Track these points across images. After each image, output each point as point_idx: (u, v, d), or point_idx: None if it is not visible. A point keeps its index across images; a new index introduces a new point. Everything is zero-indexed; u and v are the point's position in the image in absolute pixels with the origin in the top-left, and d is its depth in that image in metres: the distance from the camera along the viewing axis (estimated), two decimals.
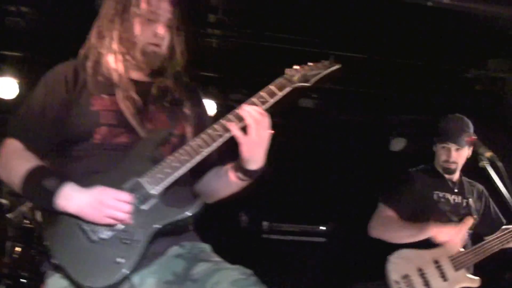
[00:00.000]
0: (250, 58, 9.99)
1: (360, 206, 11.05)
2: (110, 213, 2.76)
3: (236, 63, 9.47)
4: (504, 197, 4.38)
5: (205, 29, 8.13)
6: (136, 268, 2.84)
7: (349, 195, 10.86)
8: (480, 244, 5.04)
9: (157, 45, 3.17)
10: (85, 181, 2.90)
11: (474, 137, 4.63)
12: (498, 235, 5.01)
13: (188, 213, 2.89)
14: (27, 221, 8.02)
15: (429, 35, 7.92)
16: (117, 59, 3.22)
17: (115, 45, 3.22)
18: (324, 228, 9.60)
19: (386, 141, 10.50)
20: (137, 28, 3.17)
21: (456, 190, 5.28)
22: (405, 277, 5.24)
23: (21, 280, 7.86)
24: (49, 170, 3.02)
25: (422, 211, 5.35)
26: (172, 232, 2.97)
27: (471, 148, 5.11)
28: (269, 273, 9.02)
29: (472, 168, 5.07)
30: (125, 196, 2.81)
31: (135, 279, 2.87)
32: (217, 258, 3.04)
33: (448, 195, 5.28)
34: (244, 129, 2.94)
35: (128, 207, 2.79)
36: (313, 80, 3.25)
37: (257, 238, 9.36)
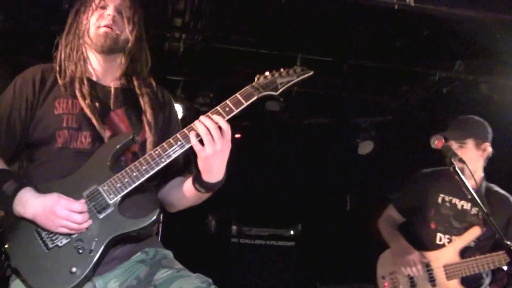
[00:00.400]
0: (217, 62, 9.99)
1: (328, 209, 11.15)
2: (63, 223, 2.75)
3: (203, 67, 9.44)
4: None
5: (172, 33, 8.07)
6: (99, 272, 2.86)
7: (317, 198, 10.90)
8: (476, 257, 4.90)
9: (107, 26, 3.19)
10: (46, 186, 2.89)
11: (442, 140, 4.55)
12: (495, 254, 4.83)
13: (143, 224, 2.88)
14: None
15: (396, 38, 7.96)
16: (78, 59, 3.24)
17: (73, 42, 3.28)
18: (292, 232, 9.60)
19: (354, 144, 10.54)
20: (90, 19, 3.24)
21: (469, 196, 4.81)
22: (392, 273, 5.27)
23: None
24: (10, 174, 3.00)
25: (421, 212, 5.33)
26: (134, 238, 2.97)
27: (479, 149, 5.08)
28: (238, 277, 9.04)
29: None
30: (79, 206, 2.79)
31: (99, 282, 2.89)
32: (179, 266, 3.04)
33: (456, 200, 5.15)
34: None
35: (81, 218, 2.78)
36: (282, 89, 3.21)
37: (226, 243, 9.34)
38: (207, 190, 3.09)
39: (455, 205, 5.15)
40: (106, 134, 3.07)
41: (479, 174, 5.13)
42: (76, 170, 2.96)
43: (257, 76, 3.22)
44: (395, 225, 5.53)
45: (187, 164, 3.33)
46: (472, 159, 4.98)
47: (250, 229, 9.52)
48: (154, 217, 2.90)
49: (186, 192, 3.20)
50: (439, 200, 5.22)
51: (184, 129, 2.96)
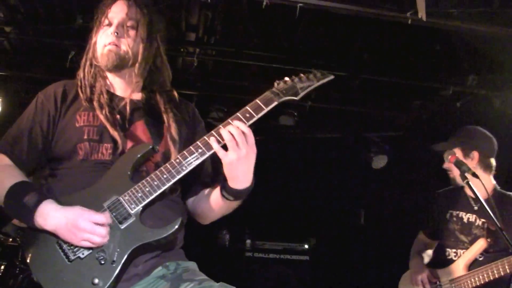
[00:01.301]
0: (230, 76, 10.03)
1: (341, 223, 11.13)
2: (85, 236, 2.74)
3: (216, 81, 9.47)
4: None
5: (185, 47, 8.11)
6: None
7: (331, 212, 10.88)
8: (480, 268, 4.84)
9: (112, 43, 3.19)
10: (67, 199, 2.89)
11: (455, 155, 4.54)
12: (499, 262, 4.74)
13: (165, 234, 2.85)
14: (11, 239, 8.00)
15: (409, 53, 7.97)
16: (97, 74, 3.28)
17: (91, 60, 3.31)
18: (306, 246, 9.58)
19: (367, 158, 10.53)
20: (97, 39, 3.26)
21: (475, 209, 5.09)
22: None
23: None
24: (32, 186, 3.00)
25: (439, 231, 5.38)
26: (156, 248, 2.95)
27: (467, 157, 5.07)
28: None
29: None
30: (102, 218, 2.78)
31: None
32: (201, 276, 3.01)
33: (463, 214, 5.16)
34: (226, 147, 2.88)
35: (104, 231, 2.77)
36: (302, 93, 3.19)
37: (240, 257, 9.33)
38: (235, 198, 3.05)
39: (461, 218, 5.16)
40: (127, 145, 3.08)
41: (490, 183, 5.10)
42: (96, 181, 2.96)
43: (277, 81, 3.19)
44: (423, 248, 5.59)
45: (216, 174, 3.30)
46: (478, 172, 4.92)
47: (264, 243, 9.51)
48: (176, 226, 2.87)
49: (214, 202, 3.17)
50: (447, 216, 5.26)
51: (205, 136, 2.94)
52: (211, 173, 3.30)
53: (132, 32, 3.24)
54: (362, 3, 6.62)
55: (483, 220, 5.02)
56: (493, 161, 5.16)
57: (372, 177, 10.59)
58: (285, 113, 9.99)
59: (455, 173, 5.08)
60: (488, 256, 4.91)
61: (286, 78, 3.20)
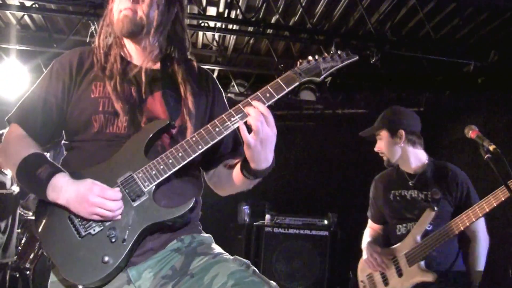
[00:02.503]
0: (252, 51, 10.03)
1: (361, 199, 11.13)
2: (95, 210, 2.70)
3: (237, 56, 9.47)
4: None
5: (207, 22, 8.10)
6: (133, 262, 2.81)
7: (351, 187, 10.86)
8: (428, 236, 4.91)
9: (128, 9, 3.05)
10: (81, 173, 2.85)
11: (476, 130, 4.54)
12: (447, 225, 4.84)
13: (178, 214, 2.81)
14: (31, 213, 8.08)
15: (431, 28, 7.92)
16: (113, 42, 3.19)
17: (108, 28, 3.21)
18: (326, 221, 9.58)
19: None
20: (114, 3, 3.13)
21: (411, 184, 5.22)
22: (369, 276, 5.45)
23: (26, 272, 7.91)
24: (45, 159, 2.95)
25: (384, 215, 5.47)
26: (170, 227, 2.91)
27: (395, 136, 5.21)
28: (271, 265, 9.05)
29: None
30: (112, 193, 2.74)
31: (132, 273, 2.83)
32: (216, 250, 2.97)
33: (404, 192, 5.26)
34: (247, 126, 2.80)
35: (115, 205, 2.73)
36: (325, 74, 3.09)
37: (260, 231, 9.34)
38: (255, 177, 3.01)
39: (404, 196, 5.24)
40: (143, 118, 2.99)
41: (423, 156, 5.26)
42: (111, 156, 2.90)
43: (299, 61, 3.09)
44: (374, 235, 5.64)
45: (236, 146, 3.23)
46: (385, 146, 5.30)
47: (284, 218, 9.50)
48: (190, 206, 2.82)
49: (235, 177, 3.11)
50: (391, 197, 5.34)
51: (223, 115, 2.87)
52: (231, 146, 3.22)
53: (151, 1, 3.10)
54: None
55: (424, 192, 5.12)
56: (419, 135, 5.29)
57: None
58: (305, 88, 9.97)
59: (388, 155, 5.29)
60: (436, 224, 4.95)
61: (310, 58, 3.09)
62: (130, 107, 3.00)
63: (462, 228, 4.72)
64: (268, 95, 2.89)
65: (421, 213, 5.00)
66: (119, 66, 3.10)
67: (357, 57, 3.22)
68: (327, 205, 10.16)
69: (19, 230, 7.98)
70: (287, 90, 2.95)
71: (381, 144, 5.31)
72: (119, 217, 2.76)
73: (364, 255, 5.43)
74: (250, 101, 2.84)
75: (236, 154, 3.22)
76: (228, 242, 10.05)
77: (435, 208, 4.91)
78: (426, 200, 5.09)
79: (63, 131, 3.15)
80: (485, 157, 4.27)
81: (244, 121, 2.81)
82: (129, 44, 3.21)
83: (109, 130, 2.96)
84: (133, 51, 3.21)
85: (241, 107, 2.84)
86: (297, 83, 2.98)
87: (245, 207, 10.02)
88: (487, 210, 4.55)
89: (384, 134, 5.29)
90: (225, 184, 3.26)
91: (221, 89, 3.40)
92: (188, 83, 3.17)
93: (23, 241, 8.06)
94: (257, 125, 2.76)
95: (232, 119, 2.84)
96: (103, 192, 2.72)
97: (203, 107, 3.20)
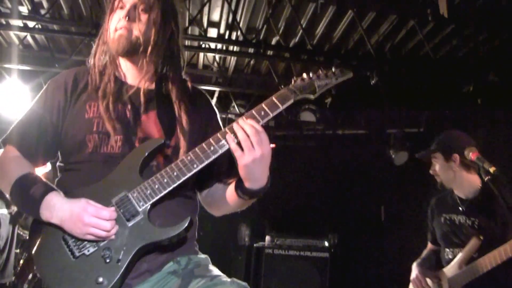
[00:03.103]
0: (252, 72, 10.06)
1: (362, 220, 11.12)
2: (90, 230, 2.67)
3: (238, 77, 9.50)
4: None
5: (207, 44, 8.14)
6: (129, 284, 2.77)
7: (352, 209, 10.87)
8: (470, 264, 4.87)
9: (123, 28, 3.04)
10: (76, 192, 2.82)
11: (476, 152, 4.56)
12: (487, 255, 4.78)
13: (173, 233, 2.77)
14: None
15: (430, 49, 7.95)
16: (108, 61, 3.17)
17: (103, 46, 3.18)
18: (326, 243, 9.58)
19: (388, 154, 10.51)
20: (110, 23, 3.12)
21: (461, 209, 5.18)
22: None
23: None
24: (39, 178, 2.92)
25: (438, 236, 5.46)
26: (165, 247, 2.88)
27: (449, 160, 5.16)
28: (271, 287, 9.02)
29: None
30: (107, 213, 2.70)
31: None
32: (214, 272, 2.92)
33: (454, 216, 5.24)
34: (240, 145, 2.78)
35: (109, 225, 2.69)
36: (320, 91, 3.08)
37: (260, 253, 9.33)
38: (250, 197, 2.96)
39: (453, 221, 5.23)
40: (138, 137, 2.98)
41: (476, 181, 5.18)
42: (105, 175, 2.87)
43: (294, 78, 3.07)
44: (427, 254, 5.66)
45: (231, 167, 3.10)
46: (442, 170, 5.25)
47: (284, 240, 9.50)
48: (185, 226, 2.77)
49: (229, 197, 3.06)
50: (442, 220, 5.33)
51: (218, 134, 2.85)
52: (226, 166, 3.18)
53: (144, 16, 3.09)
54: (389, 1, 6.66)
55: (472, 219, 5.08)
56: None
57: (393, 173, 10.56)
58: (306, 109, 10.00)
59: (442, 177, 5.26)
60: (482, 253, 4.90)
61: (304, 75, 3.08)
62: (124, 127, 2.98)
63: (490, 267, 4.73)
64: (262, 113, 2.87)
65: (467, 239, 4.97)
66: (112, 85, 3.08)
67: (351, 74, 3.19)
68: (328, 226, 10.15)
69: (18, 250, 7.96)
70: (281, 107, 2.92)
71: (436, 167, 5.29)
72: (114, 237, 2.72)
73: (412, 274, 5.46)
74: (244, 119, 2.82)
75: (231, 174, 3.14)
76: (228, 263, 10.04)
77: (481, 237, 4.88)
78: (473, 227, 5.05)
79: (59, 152, 3.13)
80: (486, 179, 4.29)
81: (237, 139, 2.78)
82: (124, 64, 3.19)
83: (103, 150, 2.94)
84: (128, 71, 3.19)
85: (236, 125, 2.81)
86: (292, 101, 2.96)
87: (245, 228, 10.02)
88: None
89: (439, 157, 5.27)
90: (219, 204, 3.21)
91: (216, 109, 3.38)
92: (182, 102, 3.15)
93: (21, 261, 8.04)
94: (250, 143, 2.75)
95: (227, 137, 2.81)
96: (98, 212, 2.69)
97: (197, 126, 3.17)
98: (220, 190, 3.18)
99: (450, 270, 5.05)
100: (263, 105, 2.90)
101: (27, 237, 8.06)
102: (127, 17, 3.05)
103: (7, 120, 8.93)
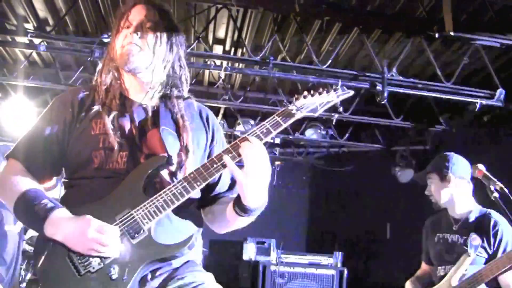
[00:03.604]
0: (258, 89, 10.07)
1: (368, 238, 11.09)
2: (93, 246, 2.68)
3: (243, 94, 9.50)
4: None
5: (213, 61, 8.15)
6: None
7: (357, 226, 10.85)
8: (461, 281, 4.96)
9: (131, 43, 3.09)
10: (81, 209, 2.82)
11: (482, 170, 4.59)
12: (474, 273, 4.90)
13: (177, 250, 2.81)
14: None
15: (437, 66, 7.95)
16: (113, 78, 3.20)
17: (109, 65, 3.22)
18: (332, 260, 9.56)
19: (394, 172, 10.51)
20: (116, 41, 3.17)
21: (454, 228, 5.31)
22: None
23: None
24: (43, 194, 2.94)
25: (431, 256, 5.57)
26: (169, 264, 2.91)
27: (444, 181, 5.28)
28: None
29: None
30: (110, 229, 2.72)
31: None
32: None
33: (447, 235, 5.37)
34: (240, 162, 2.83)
35: (112, 241, 2.70)
36: (321, 109, 3.13)
37: (265, 270, 9.31)
38: (248, 215, 2.96)
39: (446, 239, 5.35)
40: (142, 154, 3.01)
41: (469, 202, 5.34)
42: (110, 192, 2.88)
43: (296, 96, 3.09)
44: (420, 274, 5.80)
45: (233, 183, 3.20)
46: (439, 191, 5.34)
47: (290, 257, 9.49)
48: (189, 243, 2.82)
49: (229, 215, 3.06)
50: (436, 239, 5.46)
51: (221, 152, 2.87)
52: (227, 183, 3.23)
53: (151, 34, 3.15)
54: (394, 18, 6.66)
55: (465, 237, 5.16)
56: (468, 182, 5.37)
57: (398, 191, 10.54)
58: (311, 126, 10.01)
59: (437, 197, 5.36)
60: (472, 270, 4.98)
61: (305, 93, 3.11)
62: (129, 143, 3.01)
63: (486, 280, 4.78)
64: (265, 130, 2.90)
65: (459, 257, 5.04)
66: (117, 102, 3.11)
67: (352, 93, 3.24)
68: (333, 243, 10.14)
69: (24, 266, 7.97)
70: (284, 125, 2.96)
71: (432, 188, 5.42)
72: (118, 254, 2.73)
73: None
74: (247, 137, 2.85)
75: (233, 192, 3.20)
76: (233, 280, 10.01)
77: (470, 254, 4.94)
78: (465, 245, 5.09)
79: (63, 169, 3.14)
80: (492, 196, 4.30)
81: (240, 157, 2.81)
82: (129, 80, 3.21)
83: (109, 166, 2.95)
84: (134, 87, 3.21)
85: (238, 143, 2.84)
86: (294, 119, 3.00)
87: (251, 244, 9.99)
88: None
89: (434, 178, 5.39)
90: (219, 221, 3.23)
91: (220, 126, 3.41)
92: (186, 119, 3.18)
93: (27, 277, 8.04)
94: (250, 161, 2.78)
95: (230, 155, 2.83)
96: (101, 228, 2.70)
97: (201, 143, 3.20)
98: (221, 207, 3.18)
99: (441, 287, 5.12)
100: (266, 124, 2.93)
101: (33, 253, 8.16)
102: (135, 34, 3.10)
103: (13, 136, 8.97)
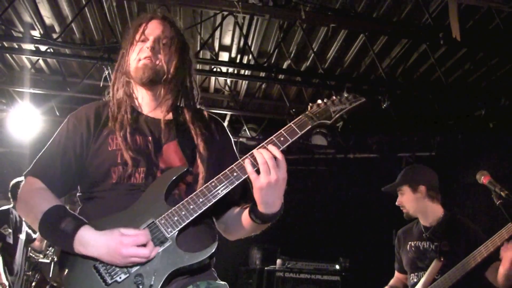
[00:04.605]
0: (263, 96, 10.08)
1: (373, 244, 11.07)
2: (130, 260, 2.71)
3: (249, 101, 9.51)
4: None
5: (219, 68, 8.18)
6: None
7: (363, 232, 10.84)
8: (433, 283, 5.04)
9: (146, 58, 3.16)
10: (102, 222, 2.85)
11: (488, 176, 4.58)
12: (448, 272, 4.96)
13: (202, 258, 2.82)
14: (42, 255, 8.15)
15: (442, 72, 7.96)
16: (126, 93, 3.24)
17: (121, 79, 3.28)
18: (338, 266, 9.56)
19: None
20: (131, 54, 3.23)
21: (425, 236, 5.39)
22: None
23: None
24: (67, 211, 2.93)
25: (404, 264, 5.63)
26: (191, 271, 2.91)
27: (416, 192, 5.39)
28: None
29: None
30: (143, 238, 2.74)
31: None
32: None
33: (419, 243, 5.45)
34: (259, 171, 2.82)
35: (147, 251, 2.72)
36: (335, 117, 3.13)
37: (271, 276, 9.31)
38: (263, 222, 2.99)
39: (418, 247, 5.42)
40: (159, 167, 3.04)
41: (439, 210, 5.41)
42: (129, 204, 2.92)
43: (310, 104, 3.12)
44: (394, 282, 5.93)
45: (245, 192, 3.24)
46: (409, 201, 5.48)
47: (295, 263, 9.48)
48: (213, 250, 2.84)
49: (243, 222, 3.11)
50: (408, 247, 5.53)
51: (240, 160, 2.89)
52: (241, 191, 3.25)
53: (166, 49, 3.23)
54: (400, 25, 6.67)
55: (436, 243, 5.25)
56: (437, 191, 5.48)
57: None
58: (317, 132, 10.01)
59: (409, 208, 5.48)
60: (443, 274, 5.05)
61: (319, 101, 3.14)
62: (146, 158, 3.04)
63: (468, 269, 4.83)
64: (282, 139, 2.91)
65: (431, 263, 5.13)
66: (129, 116, 3.15)
67: (364, 99, 3.23)
68: (339, 250, 10.13)
69: (30, 273, 8.01)
70: (300, 133, 2.96)
71: (402, 199, 5.53)
72: (145, 263, 2.77)
73: None
74: (265, 145, 2.87)
75: (245, 200, 3.22)
76: (239, 287, 10.00)
77: (442, 259, 5.06)
78: (436, 251, 5.22)
79: (79, 184, 3.17)
80: (497, 202, 4.30)
81: (258, 166, 2.83)
82: (141, 94, 3.26)
83: (127, 181, 2.99)
84: (146, 101, 3.26)
85: (256, 151, 2.86)
86: (309, 127, 3.00)
87: (256, 251, 10.00)
88: (492, 249, 4.66)
89: (405, 190, 5.48)
90: (233, 228, 3.25)
91: (230, 136, 3.44)
92: (200, 131, 3.22)
93: (33, 284, 8.07)
94: (267, 166, 2.79)
95: (246, 161, 2.86)
96: (134, 241, 2.73)
97: (214, 153, 3.22)
98: (234, 215, 3.22)
99: None
100: (283, 132, 2.95)
101: (39, 260, 8.18)
102: (152, 48, 3.16)
103: (19, 143, 8.99)
